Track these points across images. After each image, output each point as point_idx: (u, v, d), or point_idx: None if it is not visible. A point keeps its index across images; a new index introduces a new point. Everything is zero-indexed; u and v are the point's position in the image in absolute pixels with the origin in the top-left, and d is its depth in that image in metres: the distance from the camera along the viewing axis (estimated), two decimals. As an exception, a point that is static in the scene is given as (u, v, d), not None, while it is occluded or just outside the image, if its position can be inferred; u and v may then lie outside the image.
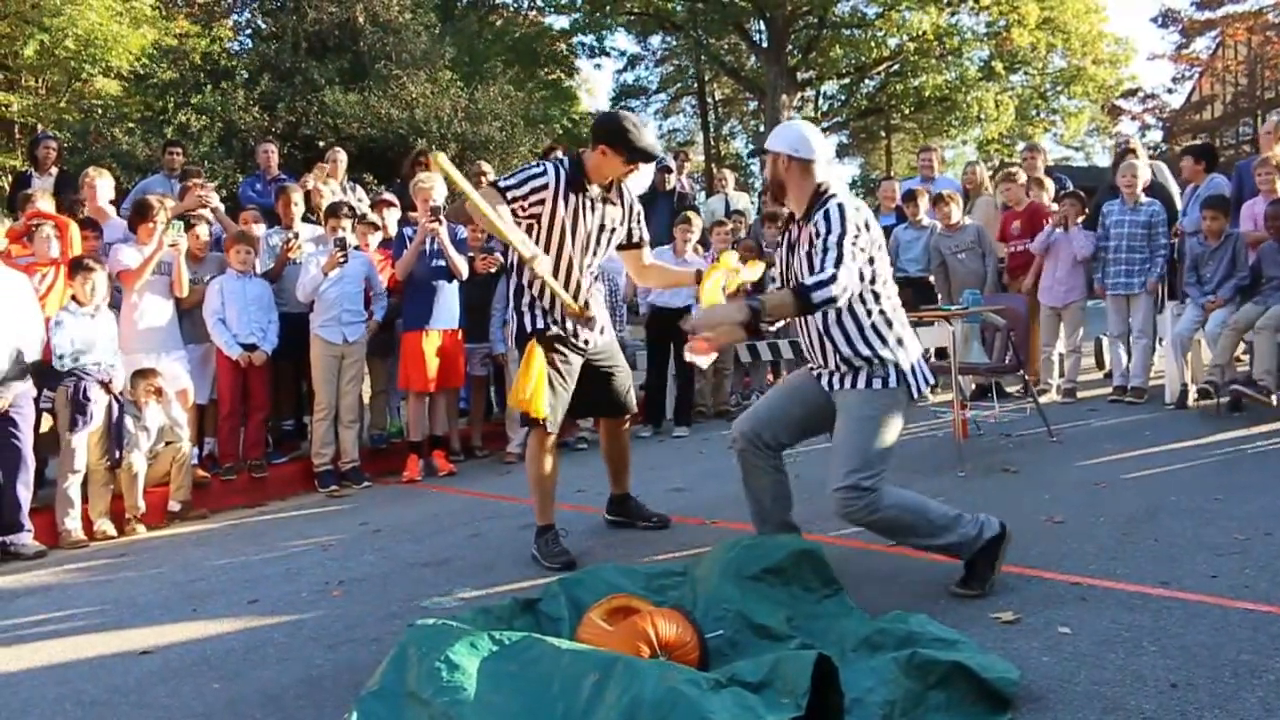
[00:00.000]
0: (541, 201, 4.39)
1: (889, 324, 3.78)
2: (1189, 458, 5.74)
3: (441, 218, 6.87)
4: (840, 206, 3.65)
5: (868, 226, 3.68)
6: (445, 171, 3.87)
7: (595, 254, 4.60)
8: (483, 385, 7.94)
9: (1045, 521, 4.56)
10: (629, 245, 4.79)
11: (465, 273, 7.06)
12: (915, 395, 3.86)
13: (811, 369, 4.01)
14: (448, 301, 7.09)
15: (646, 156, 4.45)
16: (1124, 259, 7.62)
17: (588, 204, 4.48)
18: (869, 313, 3.76)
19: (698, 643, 2.94)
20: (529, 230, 4.44)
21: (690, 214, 8.51)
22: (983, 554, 3.68)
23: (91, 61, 14.03)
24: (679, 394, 8.36)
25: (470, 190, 3.97)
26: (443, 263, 6.95)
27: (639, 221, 4.77)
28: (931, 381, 3.98)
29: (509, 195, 4.35)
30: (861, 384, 3.76)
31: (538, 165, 4.48)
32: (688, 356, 3.65)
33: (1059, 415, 7.02)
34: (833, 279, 3.49)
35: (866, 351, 3.75)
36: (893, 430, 3.77)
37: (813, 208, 3.76)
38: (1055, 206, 8.30)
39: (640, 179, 4.75)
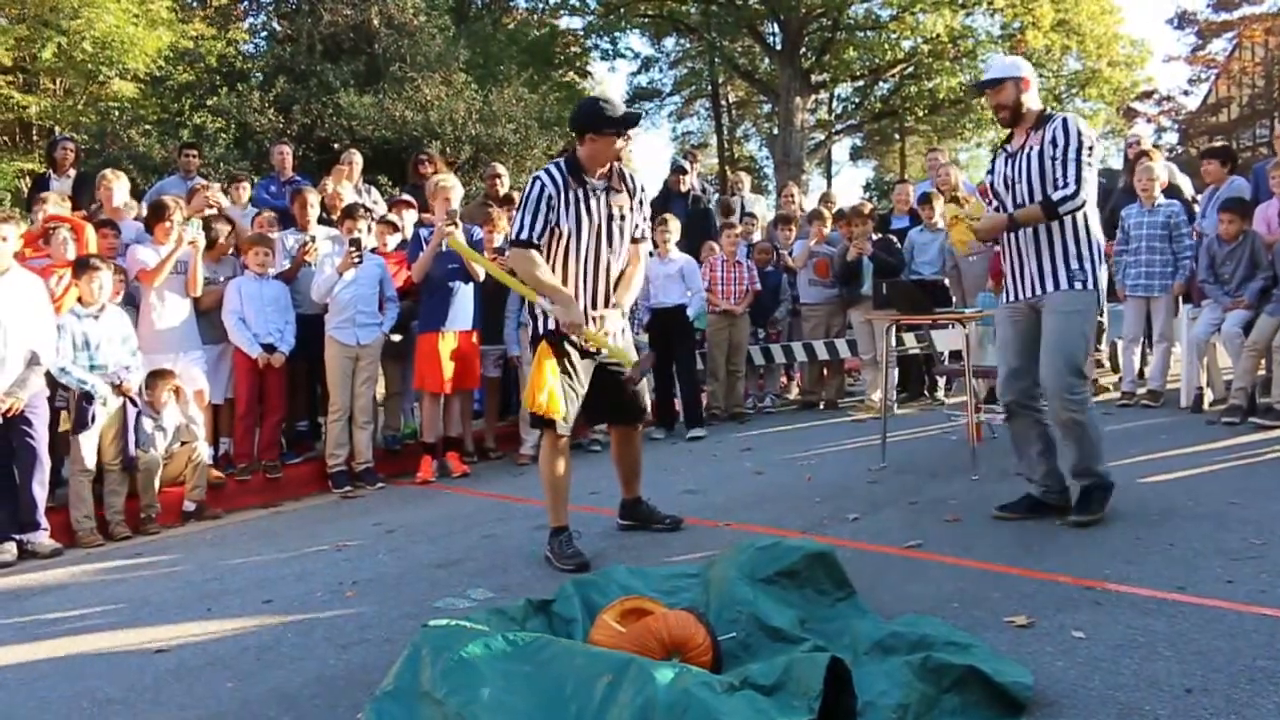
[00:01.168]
0: (553, 208, 4.46)
1: (1098, 238, 4.51)
2: (1205, 462, 5.71)
3: (458, 220, 6.86)
4: (1073, 120, 4.43)
5: (1090, 146, 4.39)
6: (463, 254, 3.99)
7: (612, 243, 4.60)
8: (497, 387, 7.95)
9: (1059, 525, 4.54)
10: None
11: (482, 274, 7.06)
12: (1102, 307, 4.62)
13: (1008, 302, 4.70)
14: (464, 303, 7.09)
15: (629, 122, 4.46)
16: (1143, 261, 7.58)
17: (589, 195, 4.51)
18: (1086, 222, 4.46)
19: (710, 644, 2.94)
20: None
21: (668, 215, 8.51)
22: (1102, 491, 4.56)
23: (108, 64, 14.10)
24: (686, 395, 8.36)
25: (501, 275, 4.25)
26: (459, 264, 6.96)
27: (645, 216, 4.79)
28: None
29: (536, 239, 4.44)
30: (1065, 285, 4.46)
31: (534, 183, 4.49)
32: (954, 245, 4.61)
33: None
34: (1075, 193, 4.31)
35: (1075, 253, 4.44)
36: (1092, 329, 4.63)
37: (1044, 119, 4.49)
38: None
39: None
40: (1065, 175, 4.32)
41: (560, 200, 4.46)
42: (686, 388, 8.36)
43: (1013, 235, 4.58)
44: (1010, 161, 4.60)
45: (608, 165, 4.55)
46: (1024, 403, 4.70)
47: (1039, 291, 4.51)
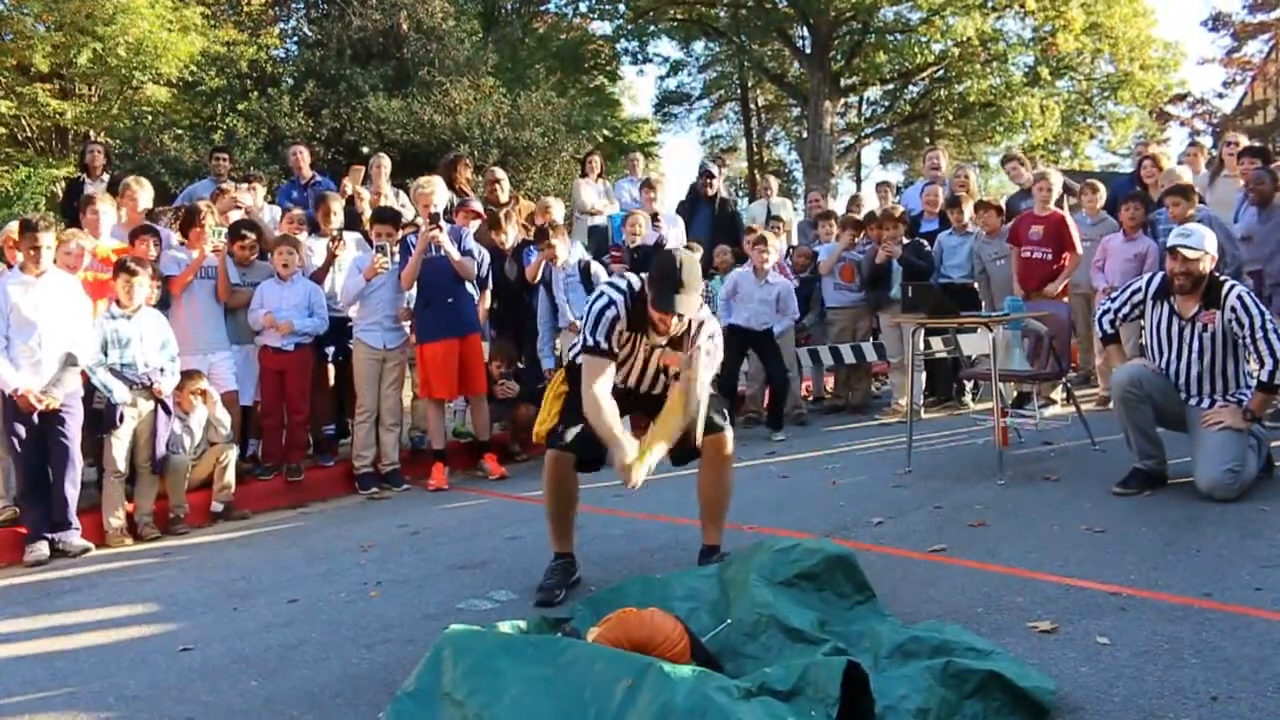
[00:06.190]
0: (619, 334, 4.03)
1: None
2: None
3: (442, 223, 6.78)
4: (1244, 294, 4.93)
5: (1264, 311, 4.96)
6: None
7: (654, 389, 4.26)
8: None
9: (1085, 530, 4.50)
10: None
11: (474, 273, 7.03)
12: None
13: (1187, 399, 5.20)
14: (463, 308, 6.97)
15: (664, 306, 3.82)
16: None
17: (644, 340, 4.10)
18: (1249, 372, 5.15)
19: (684, 631, 2.94)
20: None
21: (767, 235, 8.41)
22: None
23: (142, 69, 14.33)
24: (774, 395, 8.31)
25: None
26: (450, 270, 6.85)
27: (702, 349, 4.06)
28: None
29: (608, 349, 3.99)
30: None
31: (606, 302, 3.99)
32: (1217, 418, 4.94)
33: (1102, 423, 6.91)
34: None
35: (1240, 395, 5.05)
36: None
37: (1214, 293, 4.97)
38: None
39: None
40: (1269, 351, 4.85)
41: (622, 332, 4.04)
42: (778, 389, 8.25)
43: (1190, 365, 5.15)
44: (1176, 321, 5.13)
45: (665, 328, 3.98)
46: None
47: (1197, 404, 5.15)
